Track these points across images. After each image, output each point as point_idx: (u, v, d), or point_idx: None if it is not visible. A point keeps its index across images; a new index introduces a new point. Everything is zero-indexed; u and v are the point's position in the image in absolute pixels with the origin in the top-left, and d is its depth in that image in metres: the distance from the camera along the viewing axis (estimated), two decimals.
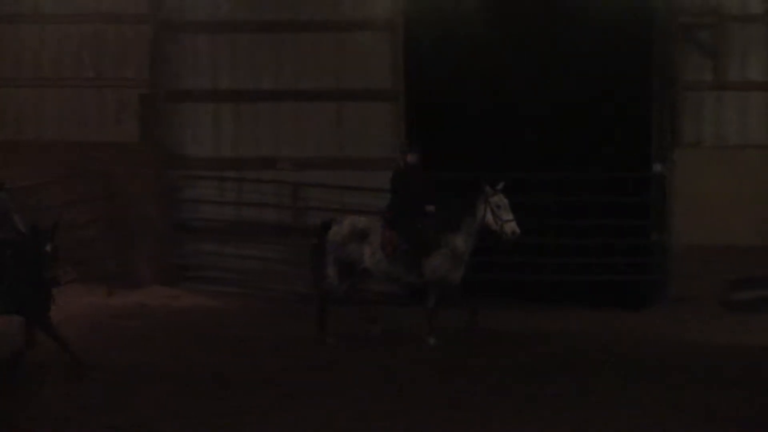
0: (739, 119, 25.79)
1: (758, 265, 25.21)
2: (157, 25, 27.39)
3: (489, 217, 19.49)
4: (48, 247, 19.52)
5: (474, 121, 25.49)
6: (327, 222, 20.52)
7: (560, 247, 25.15)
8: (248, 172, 27.46)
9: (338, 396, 18.49)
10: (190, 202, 27.37)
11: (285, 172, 27.37)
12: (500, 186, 19.63)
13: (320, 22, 26.34)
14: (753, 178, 25.49)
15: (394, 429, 17.19)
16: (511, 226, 19.27)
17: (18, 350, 18.44)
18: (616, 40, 24.79)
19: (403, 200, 19.92)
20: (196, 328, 23.48)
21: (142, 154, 27.24)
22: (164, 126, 27.60)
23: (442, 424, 17.41)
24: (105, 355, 21.11)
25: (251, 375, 20.09)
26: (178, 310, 25.04)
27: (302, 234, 24.68)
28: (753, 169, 25.54)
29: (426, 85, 25.74)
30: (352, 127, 27.24)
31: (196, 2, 27.02)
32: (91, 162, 26.88)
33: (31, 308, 18.57)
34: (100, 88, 27.86)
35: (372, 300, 21.65)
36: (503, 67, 25.19)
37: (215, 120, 27.57)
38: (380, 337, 20.57)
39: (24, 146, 27.64)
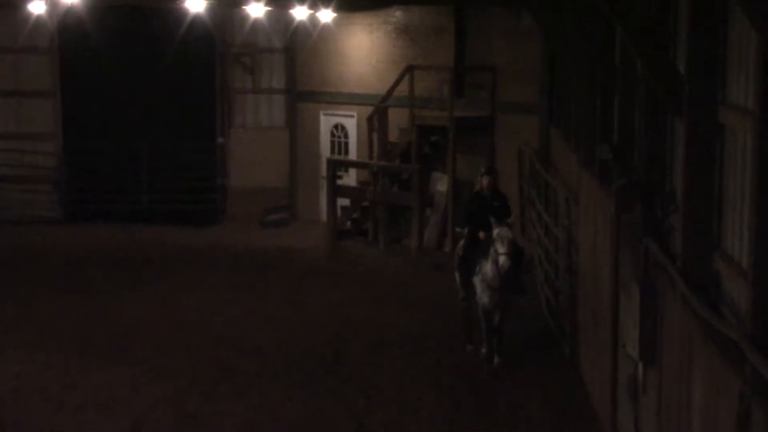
0: (268, 111, 28.27)
1: (278, 198, 27.75)
2: None
3: (493, 247, 15.25)
4: None
5: (112, 105, 26.93)
6: None
7: (165, 189, 27.15)
8: None
9: None
10: None
11: None
12: (508, 220, 15.61)
13: None
14: (275, 147, 28.01)
15: None
16: (501, 260, 14.94)
17: None
18: (194, 62, 27.29)
19: (474, 221, 16.10)
20: None
21: None
22: None
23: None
24: None
25: None
26: None
27: None
28: (275, 140, 28.15)
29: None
30: None
31: None
32: None
33: None
34: None
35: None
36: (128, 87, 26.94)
37: None
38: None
39: None
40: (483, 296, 15.65)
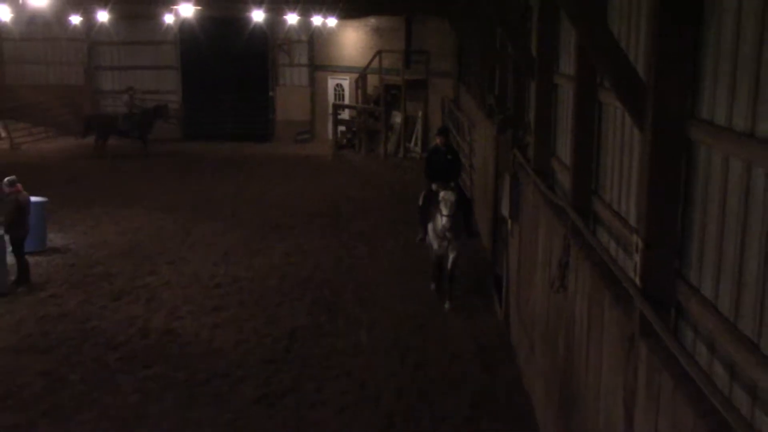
0: (300, 76, 26.96)
1: (304, 126, 26.68)
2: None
3: (439, 206, 10.31)
4: None
5: (210, 73, 26.42)
6: None
7: (240, 121, 26.44)
8: None
9: None
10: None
11: None
12: (452, 185, 10.43)
13: None
14: (302, 97, 26.89)
15: None
16: (442, 221, 10.24)
17: None
18: (255, 49, 26.11)
19: (431, 171, 10.81)
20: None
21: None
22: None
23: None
24: None
25: None
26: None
27: None
28: (302, 93, 26.92)
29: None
30: None
31: None
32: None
33: None
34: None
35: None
36: (213, 62, 26.21)
37: None
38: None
39: None
40: (434, 242, 10.73)
